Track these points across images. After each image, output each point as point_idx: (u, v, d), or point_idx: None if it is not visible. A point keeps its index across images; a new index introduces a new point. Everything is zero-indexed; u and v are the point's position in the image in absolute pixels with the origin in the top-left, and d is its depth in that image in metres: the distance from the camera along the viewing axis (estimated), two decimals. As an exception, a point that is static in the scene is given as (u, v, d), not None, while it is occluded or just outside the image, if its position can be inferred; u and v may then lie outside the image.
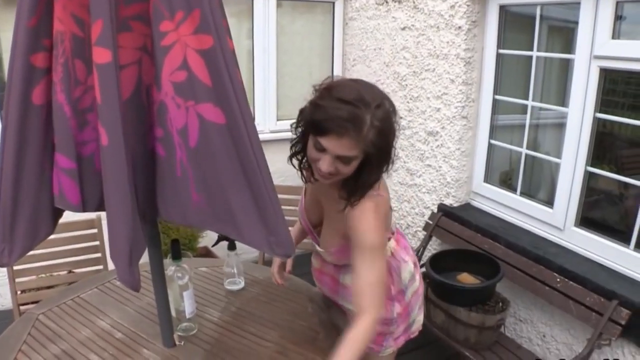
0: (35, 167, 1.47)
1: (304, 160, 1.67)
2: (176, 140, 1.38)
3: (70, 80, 1.37)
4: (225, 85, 1.29)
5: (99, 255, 2.86)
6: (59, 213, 1.60)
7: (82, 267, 2.85)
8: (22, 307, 2.73)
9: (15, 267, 2.67)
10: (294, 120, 1.62)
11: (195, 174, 1.39)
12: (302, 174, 1.76)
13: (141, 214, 1.43)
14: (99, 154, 1.43)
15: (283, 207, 1.42)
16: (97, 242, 2.85)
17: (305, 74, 4.65)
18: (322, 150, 1.49)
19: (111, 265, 2.69)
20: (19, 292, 2.76)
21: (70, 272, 2.91)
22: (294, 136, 1.64)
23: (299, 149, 1.65)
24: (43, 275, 2.85)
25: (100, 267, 2.85)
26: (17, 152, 1.43)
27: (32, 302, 2.71)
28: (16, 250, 1.53)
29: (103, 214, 2.74)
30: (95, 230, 2.84)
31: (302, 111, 1.57)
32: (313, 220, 1.87)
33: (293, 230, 2.05)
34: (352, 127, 1.42)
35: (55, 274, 2.88)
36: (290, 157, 1.69)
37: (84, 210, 1.50)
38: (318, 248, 1.84)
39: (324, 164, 1.50)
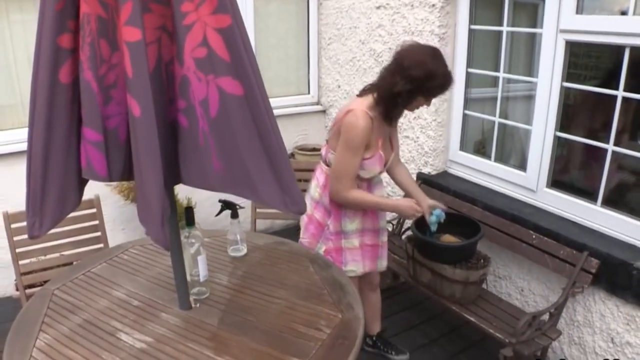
0: (63, 142, 1.59)
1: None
2: (198, 111, 1.51)
3: (96, 58, 1.49)
4: (243, 59, 1.43)
5: (99, 234, 2.95)
6: (84, 185, 1.72)
7: (82, 247, 2.91)
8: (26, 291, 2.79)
9: (17, 250, 2.74)
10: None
11: (217, 142, 1.52)
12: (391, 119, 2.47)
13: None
14: (123, 127, 1.57)
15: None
16: (96, 222, 2.94)
17: (282, 54, 4.76)
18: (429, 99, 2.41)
19: (112, 243, 2.82)
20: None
21: (61, 255, 2.93)
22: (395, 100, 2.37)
23: (395, 104, 2.38)
24: (42, 257, 2.91)
25: (101, 245, 2.94)
26: (46, 128, 1.55)
27: (32, 286, 2.79)
28: (46, 222, 1.65)
29: (102, 194, 2.86)
30: (94, 210, 2.92)
31: (414, 82, 2.29)
32: (385, 157, 2.59)
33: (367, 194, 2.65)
34: None
35: (49, 256, 2.90)
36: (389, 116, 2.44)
37: (111, 180, 1.63)
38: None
39: (429, 104, 2.46)
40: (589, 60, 3.21)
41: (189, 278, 2.00)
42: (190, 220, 1.99)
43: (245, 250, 2.44)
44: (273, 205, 1.55)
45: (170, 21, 1.48)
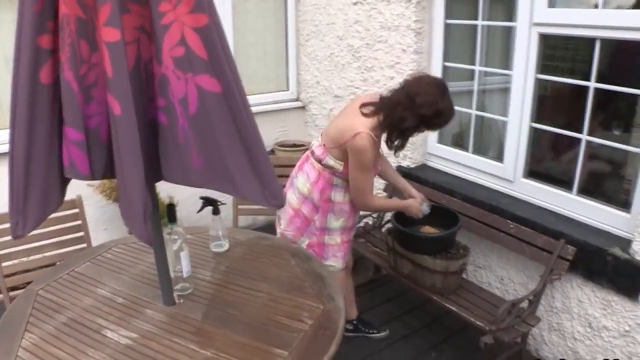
0: (45, 142, 1.61)
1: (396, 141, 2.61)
2: (178, 109, 1.54)
3: (76, 59, 1.51)
4: (220, 58, 1.46)
5: (82, 234, 2.95)
6: (66, 184, 1.74)
7: (65, 247, 2.92)
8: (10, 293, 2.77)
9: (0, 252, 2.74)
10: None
11: (196, 138, 1.55)
12: (392, 145, 2.63)
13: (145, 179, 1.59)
14: (104, 126, 1.60)
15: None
16: (79, 222, 2.94)
17: (260, 51, 4.78)
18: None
19: (95, 243, 2.83)
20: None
21: (44, 256, 2.92)
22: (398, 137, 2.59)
23: (402, 137, 2.59)
24: (25, 258, 2.90)
25: (84, 245, 2.95)
26: (27, 129, 1.57)
27: (15, 288, 2.78)
28: (30, 222, 1.67)
29: (84, 194, 2.87)
30: (76, 210, 2.93)
31: (423, 119, 2.48)
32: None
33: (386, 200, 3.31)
34: None
35: (32, 257, 2.89)
36: (394, 147, 2.64)
37: (93, 178, 1.65)
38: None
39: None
40: (566, 53, 3.28)
41: (172, 274, 2.03)
42: (172, 217, 2.02)
43: (227, 246, 2.47)
44: (253, 200, 1.58)
45: (149, 21, 1.51)
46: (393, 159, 3.83)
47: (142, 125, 1.55)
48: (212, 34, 1.44)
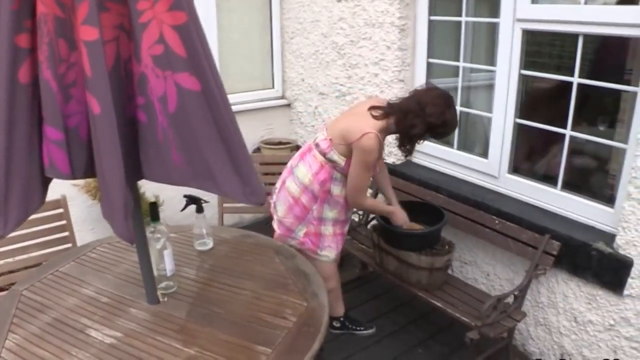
0: (25, 141, 1.60)
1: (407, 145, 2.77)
2: (157, 107, 1.53)
3: (55, 58, 1.50)
4: (199, 56, 1.46)
5: (67, 234, 2.94)
6: (47, 184, 1.73)
7: (50, 248, 2.90)
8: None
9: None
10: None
11: (176, 137, 1.55)
12: (404, 149, 2.79)
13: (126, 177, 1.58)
14: (84, 125, 1.59)
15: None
16: (64, 222, 2.93)
17: (245, 49, 4.76)
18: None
19: (81, 243, 2.82)
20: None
21: (28, 256, 2.89)
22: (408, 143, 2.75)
23: (410, 143, 2.74)
24: (9, 259, 2.88)
25: (69, 245, 2.93)
26: (7, 129, 1.55)
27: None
28: (11, 221, 1.65)
29: (70, 194, 2.85)
30: (61, 210, 2.92)
31: (430, 127, 2.62)
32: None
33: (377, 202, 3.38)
34: None
35: (17, 258, 2.87)
36: (405, 151, 2.80)
37: (74, 178, 1.64)
38: None
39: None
40: (552, 49, 3.30)
41: (156, 273, 2.03)
42: (155, 216, 2.01)
43: (211, 244, 2.47)
44: (233, 196, 1.59)
45: (128, 19, 1.50)
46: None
47: (121, 124, 1.54)
48: (191, 32, 1.44)
